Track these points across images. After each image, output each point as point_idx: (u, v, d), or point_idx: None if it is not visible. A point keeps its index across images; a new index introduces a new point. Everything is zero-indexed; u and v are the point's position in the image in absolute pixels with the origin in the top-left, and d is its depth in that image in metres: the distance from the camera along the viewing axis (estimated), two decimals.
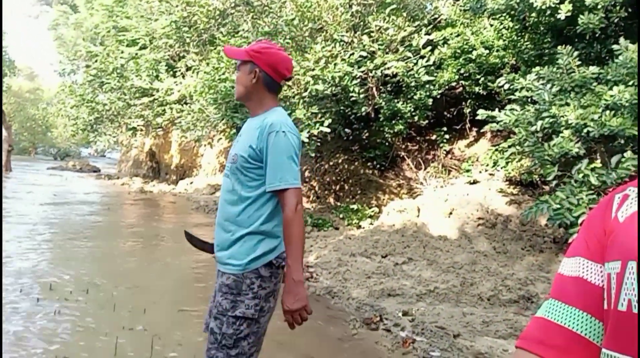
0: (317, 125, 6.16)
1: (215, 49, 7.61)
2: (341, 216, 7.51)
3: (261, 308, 1.72)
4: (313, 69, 5.96)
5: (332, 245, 5.84)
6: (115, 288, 3.95)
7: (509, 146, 5.72)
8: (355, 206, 7.58)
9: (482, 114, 6.00)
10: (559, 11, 4.67)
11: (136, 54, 12.74)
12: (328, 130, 6.23)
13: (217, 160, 13.29)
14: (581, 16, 4.39)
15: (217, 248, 1.83)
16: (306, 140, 6.01)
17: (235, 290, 1.74)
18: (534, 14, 5.88)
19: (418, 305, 3.74)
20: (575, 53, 4.62)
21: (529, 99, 5.54)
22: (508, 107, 5.78)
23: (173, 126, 13.48)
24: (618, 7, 4.30)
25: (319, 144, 6.66)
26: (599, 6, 4.26)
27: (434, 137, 9.09)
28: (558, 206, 4.35)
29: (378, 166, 9.25)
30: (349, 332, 3.20)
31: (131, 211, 9.63)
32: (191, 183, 13.37)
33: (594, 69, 4.32)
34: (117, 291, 3.88)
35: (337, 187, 9.92)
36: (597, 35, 4.66)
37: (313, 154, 6.81)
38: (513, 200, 6.15)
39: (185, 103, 11.64)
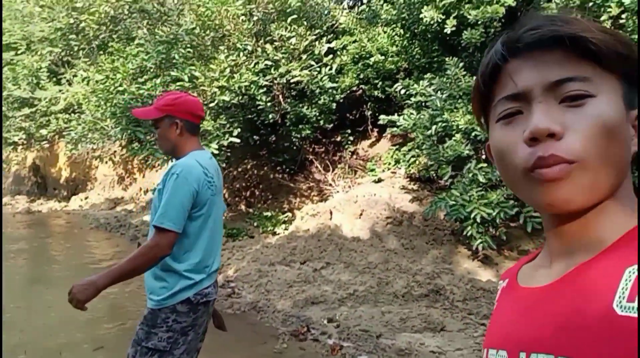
0: (227, 136, 6.11)
1: (108, 56, 7.16)
2: (255, 224, 7.52)
3: (175, 341, 1.82)
4: (219, 80, 5.89)
5: (249, 255, 5.85)
6: (21, 332, 3.60)
7: (409, 150, 6.18)
8: (269, 213, 7.62)
9: (383, 119, 6.40)
10: (445, 26, 5.14)
11: (11, 59, 11.48)
12: (238, 140, 6.21)
13: (114, 172, 12.47)
14: (465, 32, 4.89)
15: (145, 280, 1.93)
16: (216, 151, 5.92)
17: (150, 322, 1.84)
18: (422, 26, 6.39)
19: (341, 309, 3.93)
20: (461, 64, 5.13)
21: (423, 104, 6.04)
22: (405, 111, 6.25)
23: (60, 137, 12.40)
24: (495, 22, 4.86)
25: (228, 153, 6.59)
26: (479, 22, 4.77)
27: (338, 139, 9.44)
28: (454, 202, 4.82)
29: (287, 169, 9.38)
30: (280, 347, 3.27)
31: (18, 238, 8.68)
32: (86, 198, 12.39)
33: None
34: (23, 335, 3.53)
35: (248, 193, 9.88)
36: (478, 46, 5.21)
37: (224, 165, 6.72)
38: (415, 197, 6.64)
39: (74, 112, 10.77)
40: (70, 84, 10.69)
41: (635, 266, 0.49)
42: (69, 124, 10.55)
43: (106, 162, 10.09)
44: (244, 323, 3.72)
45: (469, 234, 4.71)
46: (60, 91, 10.64)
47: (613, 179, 0.53)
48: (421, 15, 5.28)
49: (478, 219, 4.46)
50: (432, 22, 5.19)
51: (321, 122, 8.08)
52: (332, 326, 3.56)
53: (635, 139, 0.55)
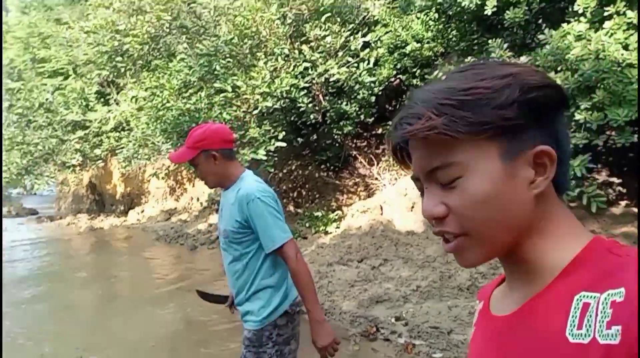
0: (273, 140, 6.20)
1: (152, 74, 7.43)
2: (307, 224, 7.59)
3: (280, 352, 1.91)
4: (260, 87, 5.97)
5: (306, 257, 5.92)
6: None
7: None
8: (319, 213, 7.68)
9: None
10: (485, 7, 4.98)
11: (60, 84, 12.09)
12: (284, 144, 6.29)
13: (166, 184, 12.92)
14: (507, 12, 4.72)
15: (238, 306, 2.02)
16: (264, 157, 6.03)
17: (256, 342, 1.92)
18: (458, 8, 6.22)
19: (406, 306, 3.92)
20: (505, 45, 4.96)
21: None
22: None
23: (113, 155, 12.97)
24: (539, 1, 4.66)
25: (275, 158, 6.69)
26: (521, 0, 4.59)
27: (379, 131, 9.36)
28: None
29: (332, 167, 9.41)
30: (352, 349, 3.30)
31: (92, 257, 9.15)
32: (142, 211, 12.92)
33: (524, 58, 4.66)
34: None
35: (295, 194, 9.99)
36: (522, 24, 5.02)
37: (272, 170, 6.83)
38: None
39: (123, 130, 11.23)
40: (118, 104, 11.16)
41: (583, 293, 0.52)
42: (119, 142, 11.05)
43: (159, 176, 10.49)
44: None
45: None
46: (109, 111, 11.12)
47: (509, 234, 0.57)
48: (459, 0, 5.13)
49: None
50: (471, 6, 5.03)
51: (362, 117, 8.05)
52: (400, 324, 3.56)
53: (539, 179, 0.56)
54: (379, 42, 7.59)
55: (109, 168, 14.88)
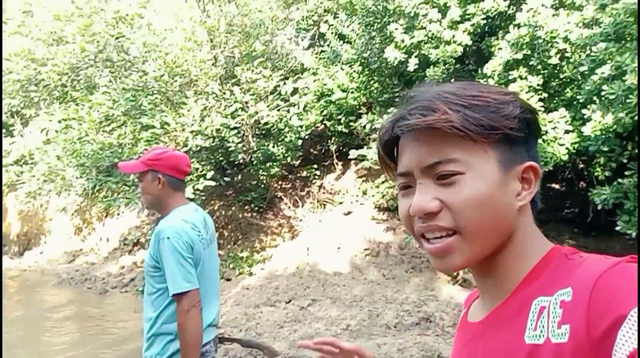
0: (201, 179, 6.10)
1: (66, 106, 7.05)
2: (231, 266, 7.42)
3: None
4: (192, 124, 5.92)
5: (231, 299, 5.76)
6: None
7: (383, 182, 6.41)
8: (243, 254, 7.56)
9: (353, 153, 6.63)
10: (408, 64, 5.49)
11: None
12: (213, 183, 6.21)
13: (71, 222, 11.94)
14: (428, 69, 5.23)
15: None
16: (192, 196, 5.90)
17: None
18: (381, 63, 6.75)
19: None
20: None
21: None
22: (373, 144, 6.51)
23: (12, 190, 11.80)
24: (453, 61, 5.24)
25: (203, 198, 6.56)
26: (440, 61, 5.13)
27: (304, 174, 9.58)
28: None
29: (256, 208, 9.38)
30: None
31: None
32: (41, 253, 11.74)
33: None
34: None
35: (217, 235, 9.75)
36: (440, 82, 5.57)
37: (214, 208, 6.66)
38: (388, 227, 6.83)
39: (26, 163, 10.33)
40: (22, 136, 10.31)
41: (540, 298, 0.56)
42: (20, 176, 10.12)
43: (68, 211, 9.68)
44: None
45: None
46: (12, 143, 10.23)
47: (493, 240, 0.60)
48: (385, 56, 5.60)
49: None
50: (394, 62, 5.51)
51: (288, 159, 8.23)
52: None
53: (524, 193, 0.61)
54: (306, 89, 7.93)
55: (4, 204, 13.45)
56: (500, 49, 4.93)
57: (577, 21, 4.10)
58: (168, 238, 1.79)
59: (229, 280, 7.04)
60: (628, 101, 3.45)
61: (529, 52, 4.56)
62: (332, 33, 7.74)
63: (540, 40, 4.40)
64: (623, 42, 3.80)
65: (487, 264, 0.62)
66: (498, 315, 0.61)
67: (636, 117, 3.59)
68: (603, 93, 3.75)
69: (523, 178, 0.61)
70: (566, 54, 4.52)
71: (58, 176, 7.51)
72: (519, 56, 4.71)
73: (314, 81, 8.03)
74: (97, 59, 6.34)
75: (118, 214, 11.31)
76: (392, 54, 5.49)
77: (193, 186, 5.99)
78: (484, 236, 0.59)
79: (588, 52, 4.16)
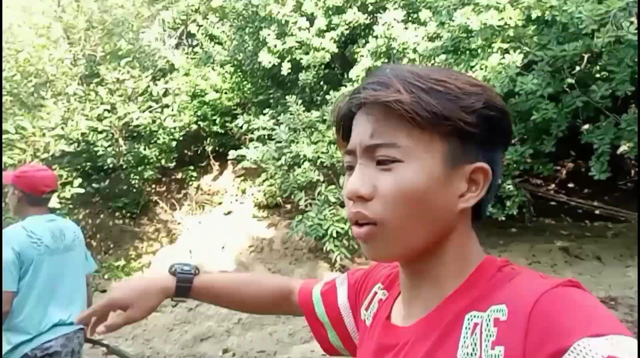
0: (68, 187, 5.68)
1: None
2: (106, 276, 7.01)
3: None
4: (54, 128, 5.48)
5: None
6: None
7: (264, 181, 6.65)
8: (119, 263, 7.20)
9: (232, 154, 6.76)
10: (281, 68, 5.80)
11: None
12: (81, 190, 5.82)
13: None
14: (300, 74, 5.61)
15: None
16: (58, 206, 5.46)
17: None
18: (254, 65, 6.98)
19: (231, 339, 4.12)
20: (300, 101, 5.84)
21: (266, 137, 6.59)
22: (251, 144, 6.71)
23: None
24: (323, 67, 5.70)
25: (71, 206, 6.10)
26: (311, 66, 5.54)
27: (179, 176, 9.37)
28: (311, 223, 5.43)
29: (128, 214, 8.91)
30: None
31: None
32: None
33: (317, 113, 5.58)
34: None
35: (85, 245, 9.04)
36: (312, 86, 6.00)
37: (79, 218, 6.18)
38: (270, 223, 7.11)
39: None
40: None
41: (473, 313, 0.53)
42: None
43: None
44: None
45: (327, 249, 5.35)
46: None
47: (420, 238, 0.56)
48: (259, 59, 5.83)
49: (334, 234, 5.13)
50: (269, 66, 5.78)
51: (162, 161, 8.01)
52: (229, 355, 3.74)
53: (469, 194, 0.56)
54: (178, 89, 7.79)
55: None
56: (362, 56, 5.50)
57: (423, 35, 4.80)
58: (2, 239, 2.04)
59: (104, 291, 6.65)
60: None
61: (386, 60, 5.19)
62: (202, 34, 7.73)
63: (395, 51, 5.04)
64: (459, 54, 4.57)
65: (417, 266, 0.59)
66: (427, 325, 0.57)
67: None
68: None
69: (471, 179, 0.56)
70: (415, 63, 5.25)
71: None
72: (378, 63, 5.33)
73: (186, 82, 7.93)
74: None
75: None
76: (266, 59, 5.75)
77: (58, 195, 5.54)
78: (404, 233, 0.55)
79: (432, 62, 4.90)
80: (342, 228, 5.13)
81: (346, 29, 5.41)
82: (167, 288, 0.88)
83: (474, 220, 0.60)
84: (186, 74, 7.86)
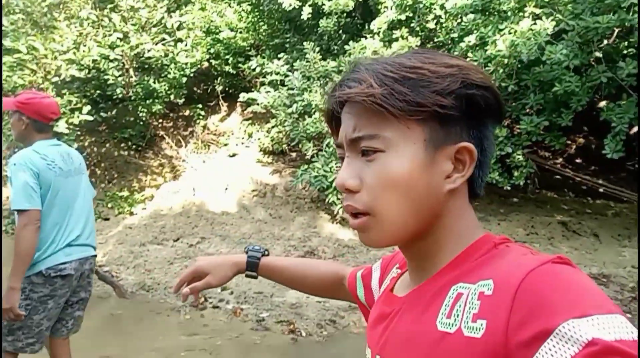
0: (77, 113, 5.66)
1: None
2: (109, 205, 7.12)
3: (33, 308, 2.13)
4: (66, 52, 5.38)
5: (113, 238, 5.65)
6: None
7: (272, 127, 6.61)
8: (124, 193, 7.29)
9: (243, 96, 6.68)
10: (302, 12, 5.61)
11: None
12: (90, 118, 5.80)
13: None
14: (321, 20, 5.43)
15: None
16: (66, 131, 5.47)
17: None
18: (272, 5, 6.75)
19: None
20: (317, 48, 5.69)
21: (279, 82, 6.49)
22: (262, 89, 6.62)
23: None
24: (344, 15, 5.51)
25: (78, 133, 6.10)
26: (333, 12, 5.36)
27: (187, 113, 9.32)
28: (316, 174, 5.45)
29: (134, 146, 8.94)
30: (183, 319, 3.47)
31: None
32: None
33: (333, 63, 5.46)
34: None
35: (88, 172, 9.13)
36: (332, 34, 5.83)
37: (75, 146, 6.18)
38: (275, 170, 7.14)
39: None
40: None
41: (460, 284, 0.54)
42: None
43: None
44: (138, 302, 3.78)
45: (330, 201, 5.40)
46: None
47: (413, 222, 0.57)
48: (279, 1, 5.63)
49: None
50: (289, 9, 5.59)
51: (171, 96, 7.93)
52: (227, 293, 3.87)
53: (456, 175, 0.57)
54: (192, 23, 7.58)
55: None
56: (387, 8, 5.31)
57: None
58: (14, 164, 2.08)
59: (107, 219, 6.79)
60: (487, 68, 4.08)
61: (411, 15, 5.02)
62: None
63: (421, 5, 4.86)
64: (488, 14, 4.41)
65: (412, 246, 0.61)
66: (417, 295, 0.60)
67: None
68: (467, 59, 4.36)
69: (457, 159, 0.57)
70: (441, 21, 5.07)
71: None
72: (402, 17, 5.16)
73: (202, 16, 7.69)
74: None
75: None
76: (287, 1, 5.55)
77: (67, 121, 5.54)
78: (395, 219, 0.57)
79: (459, 20, 4.74)
80: None
81: None
82: (240, 263, 1.01)
83: (470, 198, 0.61)
84: (202, 9, 7.62)
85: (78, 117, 5.61)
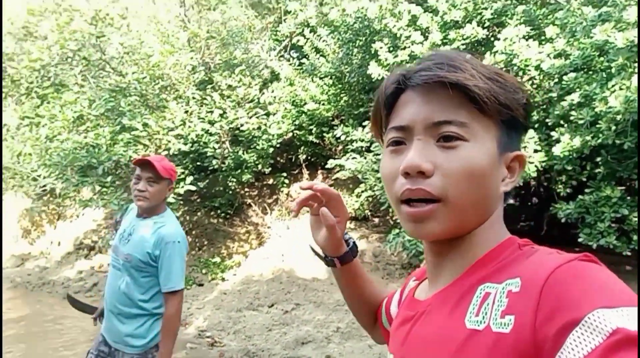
0: (182, 183, 6.08)
1: (42, 103, 6.81)
2: (203, 271, 7.38)
3: None
4: (174, 129, 5.91)
5: (210, 303, 5.77)
6: None
7: (362, 191, 6.68)
8: (216, 260, 7.55)
9: (331, 163, 6.87)
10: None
11: None
12: (193, 188, 6.20)
13: (19, 225, 11.28)
14: None
15: (111, 332, 2.15)
16: (172, 200, 5.87)
17: None
18: (358, 78, 7.08)
19: (330, 347, 4.13)
20: None
21: (364, 148, 6.63)
22: (348, 155, 6.78)
23: None
24: None
25: (181, 202, 6.52)
26: None
27: (271, 181, 9.70)
28: (410, 238, 5.33)
29: (222, 214, 9.36)
30: None
31: None
32: None
33: None
34: None
35: None
36: None
37: (178, 214, 6.61)
38: (362, 235, 7.10)
39: None
40: None
41: (487, 284, 0.54)
42: None
43: (15, 215, 9.14)
44: None
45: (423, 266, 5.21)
46: None
47: (475, 217, 0.58)
48: (368, 72, 5.90)
49: None
50: (378, 78, 5.83)
51: (259, 166, 8.32)
52: None
53: (507, 180, 0.60)
54: (280, 98, 8.09)
55: None
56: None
57: (548, 52, 4.58)
58: (179, 241, 2.08)
59: (201, 285, 7.01)
60: (597, 125, 3.92)
61: None
62: (309, 47, 7.99)
63: (515, 68, 4.86)
64: (590, 73, 4.30)
65: (450, 244, 0.61)
66: (444, 296, 0.60)
67: (599, 140, 4.08)
68: (572, 118, 4.22)
69: (509, 166, 0.61)
70: (535, 81, 5.01)
71: (10, 174, 7.17)
72: None
73: (290, 91, 8.21)
74: (74, 57, 6.18)
75: (71, 217, 10.85)
76: (376, 71, 5.80)
77: (173, 191, 5.95)
78: (467, 210, 0.57)
79: (556, 80, 4.66)
80: None
81: (462, 44, 5.31)
82: (343, 246, 0.89)
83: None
84: (290, 84, 8.15)
85: (182, 187, 6.01)
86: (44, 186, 6.58)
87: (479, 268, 0.58)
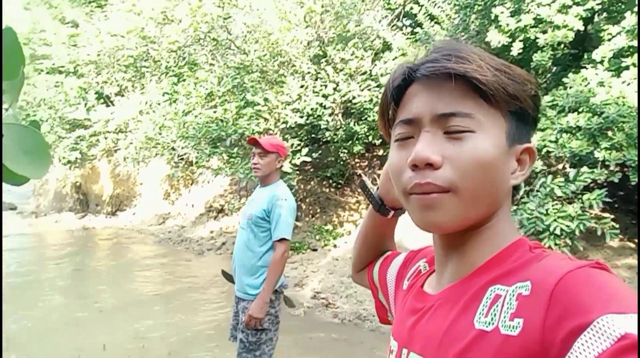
0: (298, 155, 6.48)
1: (174, 80, 7.63)
2: (317, 237, 7.84)
3: (272, 322, 2.45)
4: (290, 103, 6.27)
5: (323, 268, 6.16)
6: None
7: None
8: (329, 227, 7.95)
9: None
10: (511, 48, 5.48)
11: (57, 82, 12.01)
12: (309, 159, 6.56)
13: (160, 187, 12.90)
14: (535, 55, 5.22)
15: (237, 283, 2.56)
16: (289, 170, 6.29)
17: None
18: (477, 46, 6.74)
19: None
20: None
21: None
22: None
23: (110, 156, 12.88)
24: (562, 46, 5.19)
25: (297, 172, 6.95)
26: (548, 45, 5.10)
27: (381, 153, 9.77)
28: (529, 215, 5.10)
29: (334, 184, 9.73)
30: None
31: (108, 256, 9.06)
32: (134, 214, 12.82)
33: (547, 97, 5.15)
34: None
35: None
36: (547, 67, 5.54)
37: (294, 183, 7.08)
38: None
39: (122, 131, 11.24)
40: (112, 104, 11.18)
41: (497, 286, 0.54)
42: (117, 144, 11.07)
43: (157, 179, 10.45)
44: (365, 330, 4.05)
45: (545, 245, 4.97)
46: (112, 112, 11.13)
47: (484, 209, 0.58)
48: (487, 39, 5.61)
49: (557, 232, 4.74)
50: (499, 46, 5.52)
51: (370, 138, 8.43)
52: None
53: (517, 172, 0.59)
54: (391, 69, 8.04)
55: (97, 168, 14.71)
56: (611, 35, 4.83)
57: None
58: (286, 199, 2.46)
59: (315, 250, 7.48)
60: None
61: None
62: (422, 14, 7.76)
63: None
64: None
65: (460, 238, 0.61)
66: (453, 293, 0.60)
67: None
68: None
69: (519, 159, 0.60)
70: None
71: (152, 144, 8.17)
72: (634, 43, 4.61)
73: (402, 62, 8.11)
74: (205, 38, 6.80)
75: (203, 182, 12.12)
76: (496, 38, 5.50)
77: (290, 161, 6.37)
78: (477, 200, 0.57)
79: None
80: (568, 227, 4.71)
81: (598, 4, 4.79)
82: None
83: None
84: (403, 55, 8.03)
85: (299, 158, 6.40)
86: (182, 155, 7.45)
87: (490, 268, 0.57)
